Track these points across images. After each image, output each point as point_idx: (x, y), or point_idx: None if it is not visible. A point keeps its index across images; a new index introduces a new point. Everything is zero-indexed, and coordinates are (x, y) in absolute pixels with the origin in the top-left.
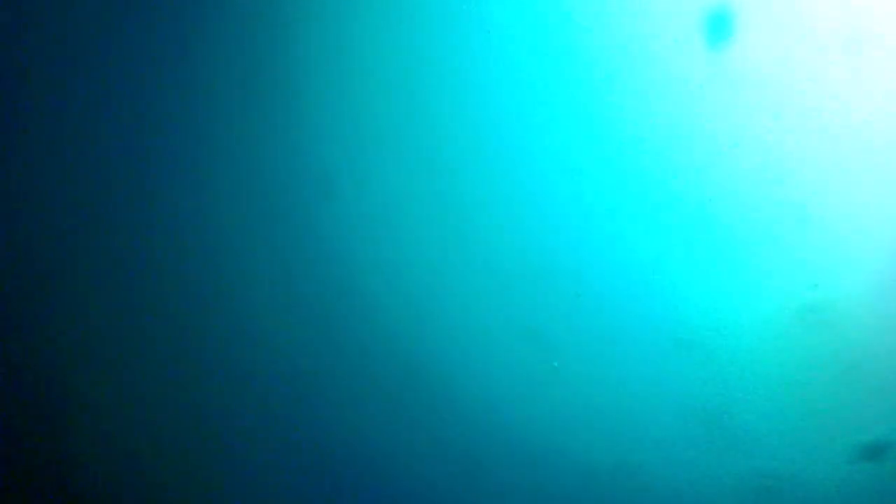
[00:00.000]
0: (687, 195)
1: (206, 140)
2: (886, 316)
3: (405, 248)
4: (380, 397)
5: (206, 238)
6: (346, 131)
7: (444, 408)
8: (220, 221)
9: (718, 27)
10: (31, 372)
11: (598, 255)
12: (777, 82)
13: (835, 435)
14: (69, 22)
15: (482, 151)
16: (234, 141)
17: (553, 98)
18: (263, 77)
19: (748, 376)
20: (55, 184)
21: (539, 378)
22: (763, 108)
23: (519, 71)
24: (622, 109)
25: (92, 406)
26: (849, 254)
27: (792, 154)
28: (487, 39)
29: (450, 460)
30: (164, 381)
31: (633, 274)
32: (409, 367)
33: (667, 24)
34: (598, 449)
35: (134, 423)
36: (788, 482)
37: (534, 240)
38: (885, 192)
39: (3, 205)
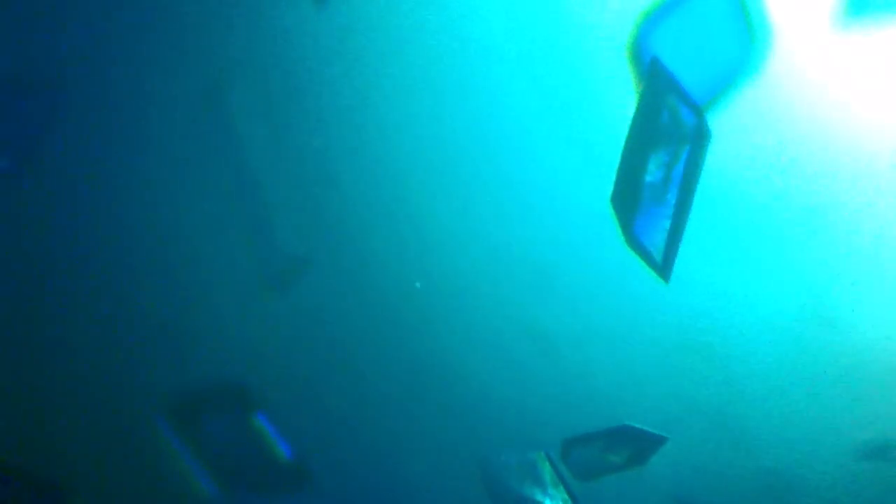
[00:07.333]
0: (698, 197)
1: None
2: (888, 316)
3: (409, 248)
4: (382, 394)
5: (203, 236)
6: (355, 130)
7: (447, 406)
8: (222, 217)
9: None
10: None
11: (603, 254)
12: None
13: (837, 434)
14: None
15: (488, 152)
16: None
17: (563, 100)
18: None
19: (752, 376)
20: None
21: (542, 377)
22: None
23: (531, 73)
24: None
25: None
26: (853, 255)
27: (798, 155)
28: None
29: (453, 458)
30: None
31: (639, 274)
32: (414, 366)
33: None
34: None
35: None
36: (791, 480)
37: (540, 240)
38: (889, 195)
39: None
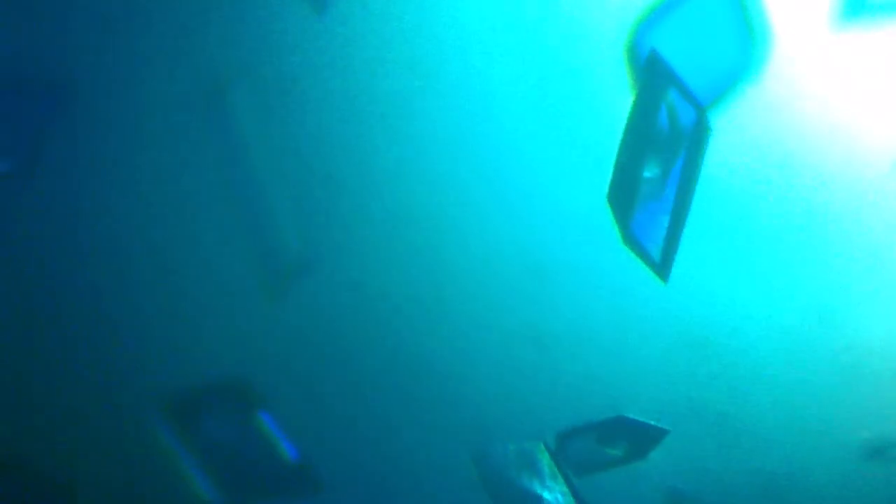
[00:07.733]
0: (697, 197)
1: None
2: (888, 316)
3: (408, 248)
4: (382, 394)
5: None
6: (355, 131)
7: (447, 406)
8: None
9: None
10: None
11: (601, 253)
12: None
13: (837, 434)
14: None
15: (486, 151)
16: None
17: (561, 98)
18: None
19: (752, 376)
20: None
21: (540, 378)
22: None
23: (528, 71)
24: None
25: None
26: (853, 254)
27: (797, 155)
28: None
29: (453, 458)
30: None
31: (637, 272)
32: (414, 365)
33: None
34: None
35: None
36: (790, 480)
37: (538, 238)
38: (889, 194)
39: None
